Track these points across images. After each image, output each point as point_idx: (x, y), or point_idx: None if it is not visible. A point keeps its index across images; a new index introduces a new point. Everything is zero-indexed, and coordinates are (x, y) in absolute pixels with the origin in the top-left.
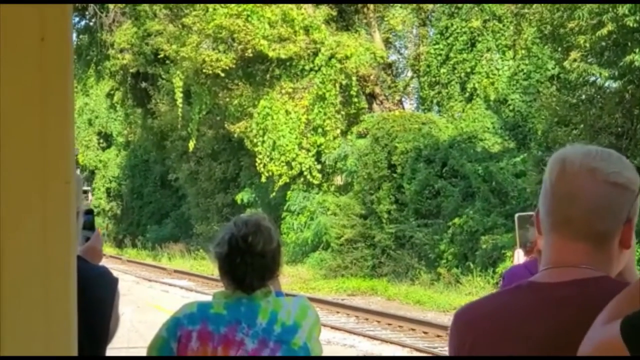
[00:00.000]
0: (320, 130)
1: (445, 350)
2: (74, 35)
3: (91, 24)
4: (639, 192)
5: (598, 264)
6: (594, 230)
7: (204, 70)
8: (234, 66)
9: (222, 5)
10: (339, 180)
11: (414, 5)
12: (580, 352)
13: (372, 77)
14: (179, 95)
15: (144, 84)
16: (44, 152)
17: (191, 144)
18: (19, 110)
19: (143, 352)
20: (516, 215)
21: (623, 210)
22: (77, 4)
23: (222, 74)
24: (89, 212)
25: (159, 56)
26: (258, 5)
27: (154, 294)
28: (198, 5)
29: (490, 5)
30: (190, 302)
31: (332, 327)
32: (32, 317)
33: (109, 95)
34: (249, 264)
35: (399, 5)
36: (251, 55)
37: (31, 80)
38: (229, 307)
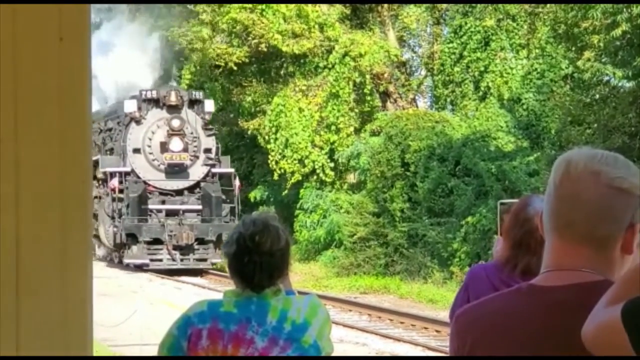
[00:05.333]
0: (333, 128)
1: None
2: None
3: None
4: None
5: (599, 268)
6: (595, 234)
7: (217, 63)
8: (247, 60)
9: None
10: (352, 178)
11: (428, 3)
12: (582, 332)
13: (386, 75)
14: None
15: None
16: (62, 152)
17: None
18: (37, 110)
19: (156, 350)
20: (499, 202)
21: (626, 215)
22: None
23: (236, 68)
24: None
25: (173, 50)
26: None
27: (166, 291)
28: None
29: (504, 4)
30: (201, 300)
31: (345, 325)
32: (50, 316)
33: None
34: (257, 263)
35: (413, 3)
36: (265, 49)
37: (50, 80)
38: (239, 305)
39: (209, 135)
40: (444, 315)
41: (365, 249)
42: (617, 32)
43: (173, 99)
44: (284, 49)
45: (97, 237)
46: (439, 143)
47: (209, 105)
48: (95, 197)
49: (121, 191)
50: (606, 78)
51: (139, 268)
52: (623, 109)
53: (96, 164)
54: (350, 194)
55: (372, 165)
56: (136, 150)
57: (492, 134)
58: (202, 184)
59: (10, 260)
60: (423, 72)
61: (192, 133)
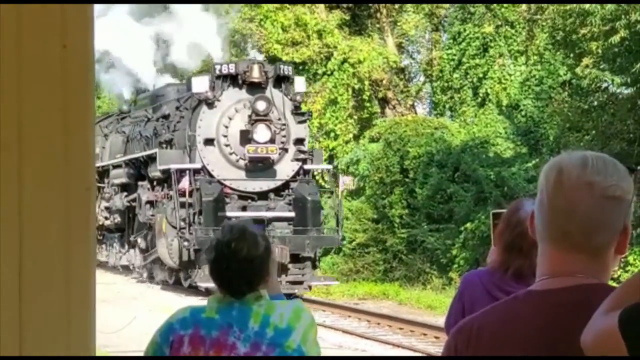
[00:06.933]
0: (332, 134)
1: None
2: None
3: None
4: (632, 198)
5: (594, 273)
6: (591, 243)
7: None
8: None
9: (236, 9)
10: (351, 184)
11: (427, 10)
12: (581, 339)
13: (384, 82)
14: None
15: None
16: (65, 159)
17: None
18: (40, 118)
19: None
20: (491, 212)
21: (619, 220)
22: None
23: None
24: None
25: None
26: (271, 9)
27: (166, 297)
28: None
29: (502, 11)
30: (184, 306)
31: (344, 332)
32: (53, 318)
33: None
34: (234, 269)
35: (412, 10)
36: (264, 59)
37: (53, 88)
38: (220, 311)
39: (300, 122)
40: (443, 321)
41: (364, 255)
42: (616, 38)
43: (256, 74)
44: (284, 58)
45: (143, 250)
46: (438, 149)
47: (300, 84)
48: (148, 202)
49: (190, 194)
50: (604, 85)
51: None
52: (621, 115)
53: (149, 160)
54: (349, 200)
55: (371, 171)
56: (208, 142)
57: (490, 140)
58: (293, 185)
59: (13, 264)
60: (422, 79)
61: (279, 119)
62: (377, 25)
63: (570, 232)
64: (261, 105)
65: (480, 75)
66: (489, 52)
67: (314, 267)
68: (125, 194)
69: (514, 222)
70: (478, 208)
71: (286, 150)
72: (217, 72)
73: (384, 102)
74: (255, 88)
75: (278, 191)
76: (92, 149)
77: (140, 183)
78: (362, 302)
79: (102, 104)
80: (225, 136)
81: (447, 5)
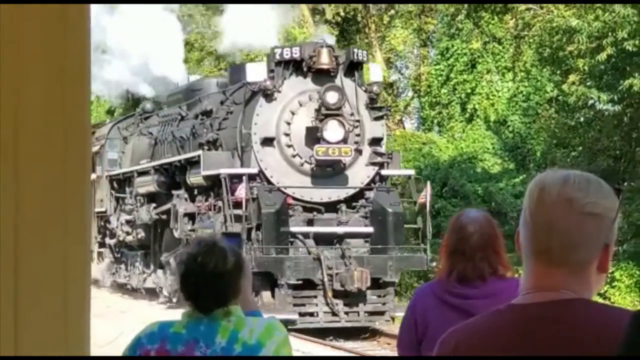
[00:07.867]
0: None
1: None
2: None
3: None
4: (615, 217)
5: (575, 288)
6: (571, 259)
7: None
8: None
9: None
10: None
11: (415, 25)
12: None
13: None
14: None
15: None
16: (64, 173)
17: None
18: (38, 123)
19: None
20: None
21: (599, 238)
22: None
23: None
24: None
25: None
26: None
27: (156, 311)
28: (200, 21)
29: (490, 27)
30: (154, 321)
31: (332, 347)
32: (49, 320)
33: (109, 112)
34: (201, 284)
35: (400, 25)
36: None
37: (53, 100)
38: (188, 326)
39: (376, 119)
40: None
41: None
42: (602, 56)
43: (325, 60)
44: None
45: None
46: (426, 164)
47: (376, 72)
48: (187, 214)
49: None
50: (591, 101)
51: None
52: (608, 132)
53: (187, 164)
54: None
55: None
56: (267, 141)
57: (478, 155)
58: (368, 194)
59: (9, 267)
60: (410, 94)
61: (352, 114)
62: (366, 40)
63: (550, 248)
64: (332, 98)
65: (468, 90)
66: (476, 68)
67: (397, 293)
68: (153, 205)
69: (457, 227)
70: None
71: (360, 152)
72: (277, 57)
73: None
74: (323, 76)
75: (350, 201)
76: (89, 160)
77: (175, 192)
78: None
79: (93, 118)
80: (287, 135)
81: (435, 21)
